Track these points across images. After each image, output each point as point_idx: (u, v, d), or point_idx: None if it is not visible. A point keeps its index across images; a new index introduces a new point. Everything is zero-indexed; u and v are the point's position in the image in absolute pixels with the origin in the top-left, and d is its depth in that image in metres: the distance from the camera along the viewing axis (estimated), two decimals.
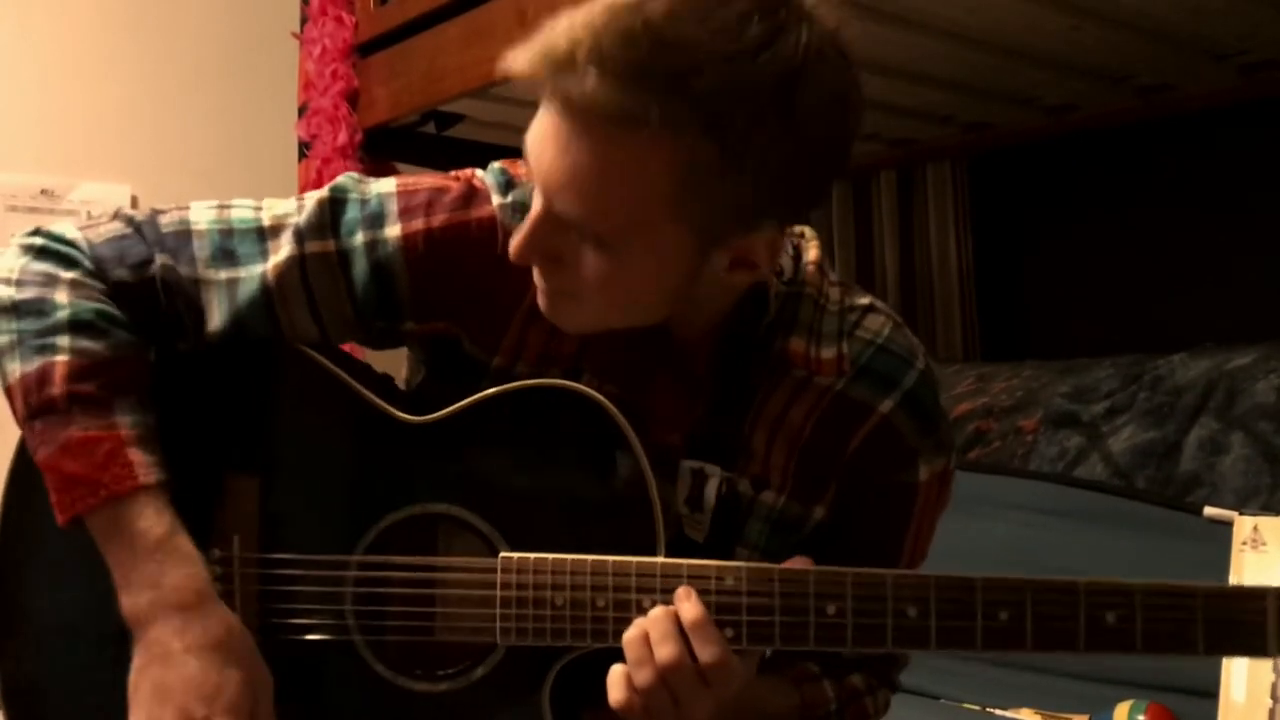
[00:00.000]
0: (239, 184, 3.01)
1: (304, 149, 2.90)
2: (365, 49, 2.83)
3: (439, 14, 2.58)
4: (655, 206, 0.87)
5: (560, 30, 0.84)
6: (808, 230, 1.09)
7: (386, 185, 1.04)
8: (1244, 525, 1.62)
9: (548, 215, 0.91)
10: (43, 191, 3.03)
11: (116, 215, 1.02)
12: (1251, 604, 0.89)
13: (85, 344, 0.96)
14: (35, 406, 0.95)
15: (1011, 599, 0.90)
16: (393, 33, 2.75)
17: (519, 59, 0.85)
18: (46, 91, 3.01)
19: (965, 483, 2.27)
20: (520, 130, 0.97)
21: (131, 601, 0.94)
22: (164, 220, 1.02)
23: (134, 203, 3.11)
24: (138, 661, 0.94)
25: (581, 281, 0.93)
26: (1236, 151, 2.65)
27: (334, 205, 1.02)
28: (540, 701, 0.97)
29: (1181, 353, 2.27)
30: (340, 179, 1.05)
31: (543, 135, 0.89)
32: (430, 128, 2.90)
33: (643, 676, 0.90)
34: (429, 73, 2.62)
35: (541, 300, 0.98)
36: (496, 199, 1.03)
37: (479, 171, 1.06)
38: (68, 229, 1.01)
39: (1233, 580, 1.59)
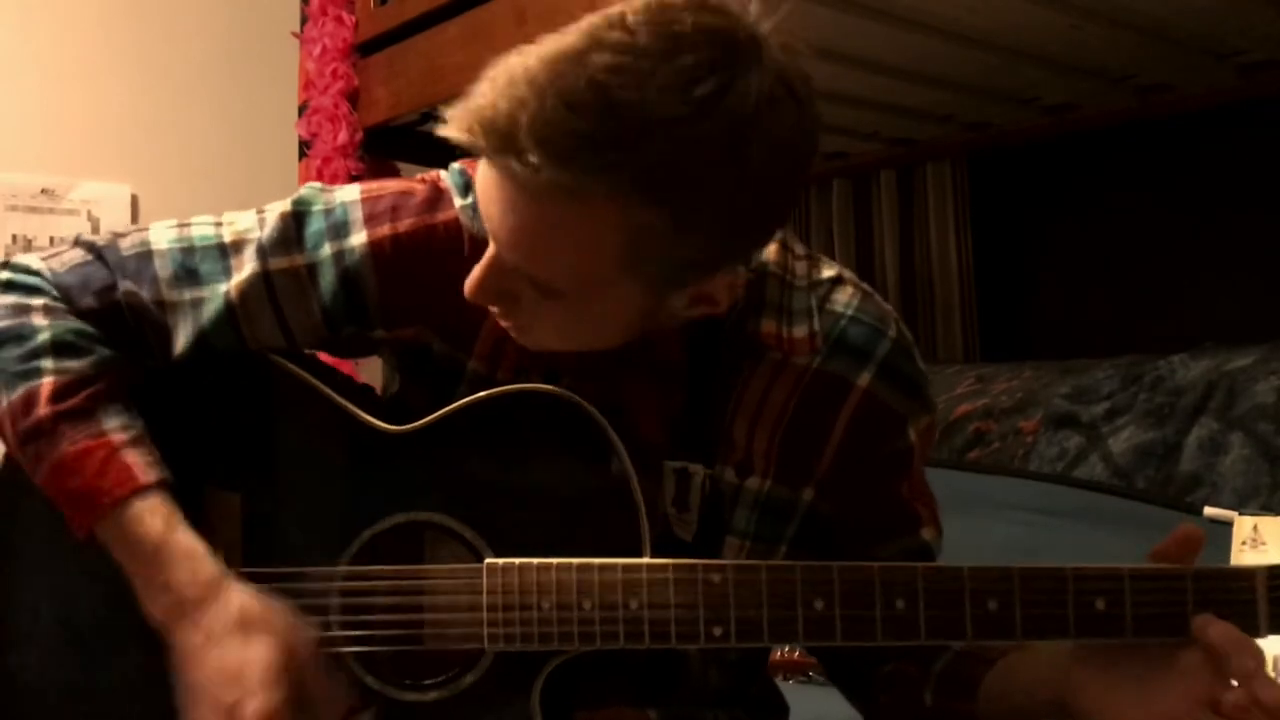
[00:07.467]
0: (239, 184, 3.04)
1: (304, 148, 2.90)
2: (365, 48, 2.83)
3: (439, 14, 2.58)
4: (606, 267, 0.87)
5: (500, 93, 0.81)
6: None
7: (350, 193, 1.03)
8: (1244, 525, 1.62)
9: (499, 261, 0.90)
10: (43, 191, 3.03)
11: (77, 242, 1.03)
12: (1241, 584, 0.88)
13: (69, 364, 0.96)
14: (24, 432, 0.95)
15: (999, 588, 0.90)
16: (392, 32, 2.75)
17: (456, 123, 0.83)
18: (46, 91, 3.01)
19: (965, 483, 2.29)
20: None
21: (152, 609, 0.94)
22: (124, 244, 1.02)
23: (134, 202, 3.11)
24: (179, 668, 0.93)
25: (537, 321, 0.93)
26: (1236, 151, 2.65)
27: (297, 218, 1.02)
28: (531, 706, 0.96)
29: (1181, 353, 2.26)
30: (303, 190, 1.04)
31: (488, 189, 0.87)
32: (430, 127, 2.90)
33: None
34: (429, 72, 2.62)
35: (513, 332, 0.98)
36: (458, 200, 1.02)
37: (443, 173, 1.05)
38: (31, 260, 1.01)
39: None
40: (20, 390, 0.95)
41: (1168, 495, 2.05)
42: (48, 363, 0.95)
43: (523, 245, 0.87)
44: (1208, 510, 1.79)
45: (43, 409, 0.94)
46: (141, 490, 0.94)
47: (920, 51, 2.41)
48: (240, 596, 0.93)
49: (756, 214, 0.89)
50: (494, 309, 0.96)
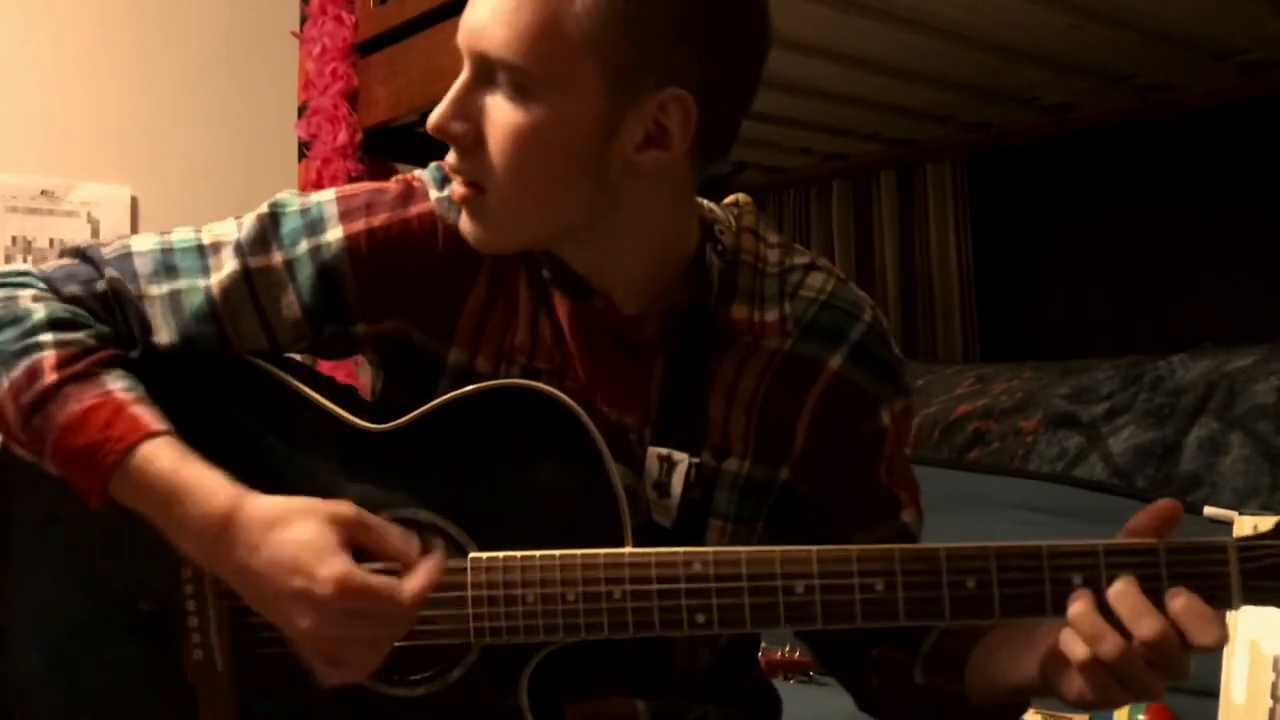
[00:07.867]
0: (239, 184, 3.04)
1: (304, 149, 2.90)
2: (365, 48, 2.83)
3: (438, 13, 2.58)
4: (571, 35, 0.91)
5: None
6: (742, 198, 1.11)
7: (325, 194, 1.07)
8: (1243, 525, 1.62)
9: (470, 72, 0.95)
10: (43, 192, 3.04)
11: (63, 253, 1.06)
12: (1213, 556, 0.88)
13: (67, 336, 0.97)
14: (29, 404, 0.95)
15: (977, 567, 0.91)
16: (392, 32, 2.75)
17: None
18: (46, 92, 3.01)
19: (965, 483, 2.29)
20: None
21: (190, 549, 0.94)
22: (107, 249, 1.05)
23: (134, 204, 3.12)
24: (247, 596, 0.93)
25: (495, 166, 0.95)
26: (1236, 151, 2.65)
27: (274, 219, 1.04)
28: (518, 698, 0.97)
29: (1181, 353, 2.27)
30: (279, 195, 1.07)
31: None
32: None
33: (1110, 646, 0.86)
34: (429, 72, 2.62)
35: (463, 221, 1.01)
36: (434, 193, 1.05)
37: (418, 171, 1.09)
38: (16, 265, 1.05)
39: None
40: (23, 365, 0.96)
41: (1167, 495, 2.05)
42: (47, 337, 0.97)
43: (502, 14, 0.92)
44: (1208, 510, 1.79)
45: (48, 377, 0.95)
46: (149, 436, 0.94)
47: (920, 51, 2.41)
48: (261, 500, 0.93)
49: (711, 35, 0.94)
50: (453, 158, 0.99)
